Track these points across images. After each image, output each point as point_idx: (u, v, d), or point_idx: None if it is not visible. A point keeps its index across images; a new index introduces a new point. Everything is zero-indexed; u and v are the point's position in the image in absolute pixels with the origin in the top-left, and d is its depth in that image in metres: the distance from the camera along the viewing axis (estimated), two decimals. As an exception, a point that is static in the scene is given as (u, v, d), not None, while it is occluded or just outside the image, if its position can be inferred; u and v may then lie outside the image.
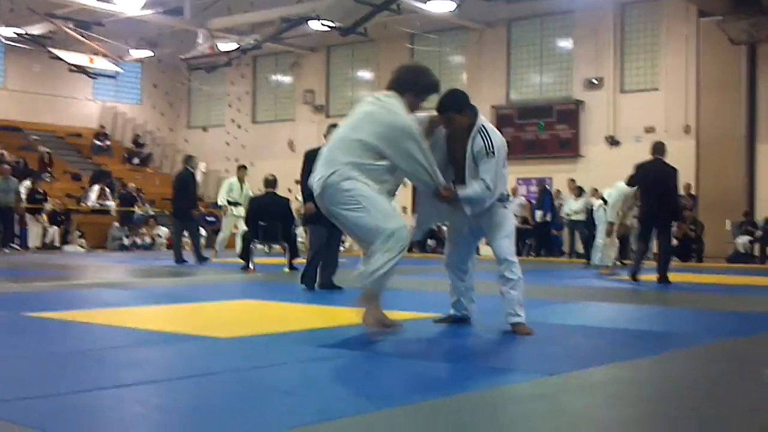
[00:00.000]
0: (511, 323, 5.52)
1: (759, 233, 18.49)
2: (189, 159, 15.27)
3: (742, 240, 18.52)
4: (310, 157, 8.78)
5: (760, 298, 9.13)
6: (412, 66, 5.46)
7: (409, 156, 5.08)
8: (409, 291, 8.56)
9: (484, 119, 5.56)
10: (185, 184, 14.81)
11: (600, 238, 14.07)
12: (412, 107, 5.26)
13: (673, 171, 10.60)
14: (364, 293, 5.04)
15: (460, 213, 5.55)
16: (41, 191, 21.33)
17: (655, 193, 10.59)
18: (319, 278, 9.09)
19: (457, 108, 5.51)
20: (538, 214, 20.21)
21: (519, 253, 8.35)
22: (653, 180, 10.59)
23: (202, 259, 14.64)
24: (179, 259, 14.63)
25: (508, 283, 5.53)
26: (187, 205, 14.75)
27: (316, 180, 5.16)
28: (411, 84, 5.27)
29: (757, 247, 18.42)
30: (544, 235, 20.38)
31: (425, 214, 5.83)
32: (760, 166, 19.69)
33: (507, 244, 5.61)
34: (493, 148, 5.41)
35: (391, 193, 5.25)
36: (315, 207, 8.51)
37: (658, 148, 10.79)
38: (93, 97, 29.34)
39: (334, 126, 6.06)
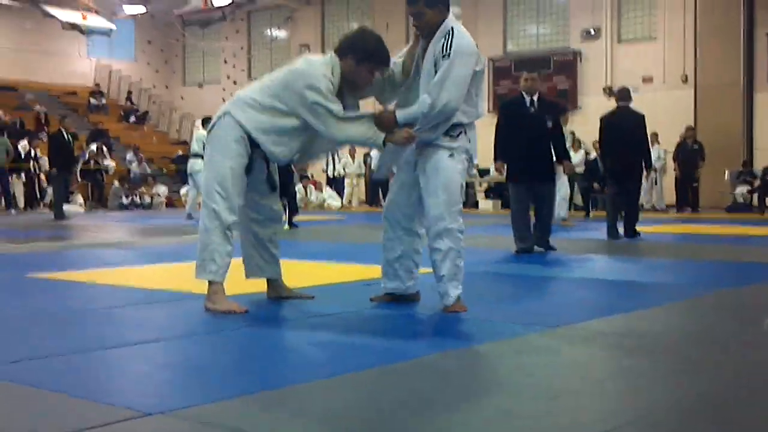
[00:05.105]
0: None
1: (757, 183, 18.49)
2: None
3: (741, 190, 18.52)
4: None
5: (759, 248, 9.16)
6: (361, 29, 4.75)
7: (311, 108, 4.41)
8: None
9: (457, 23, 4.50)
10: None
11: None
12: (355, 76, 4.56)
13: (642, 117, 10.04)
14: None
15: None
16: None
17: (624, 142, 9.91)
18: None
19: (429, 1, 4.45)
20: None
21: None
22: (618, 129, 9.99)
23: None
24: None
25: (436, 254, 4.50)
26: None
27: None
28: (353, 48, 4.54)
29: (755, 197, 18.43)
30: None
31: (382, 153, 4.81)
32: (758, 115, 19.62)
33: (434, 201, 4.47)
34: (450, 49, 4.34)
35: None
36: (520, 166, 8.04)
37: (623, 95, 10.30)
38: (87, 55, 29.12)
39: None
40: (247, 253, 4.92)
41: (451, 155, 4.47)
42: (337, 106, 4.41)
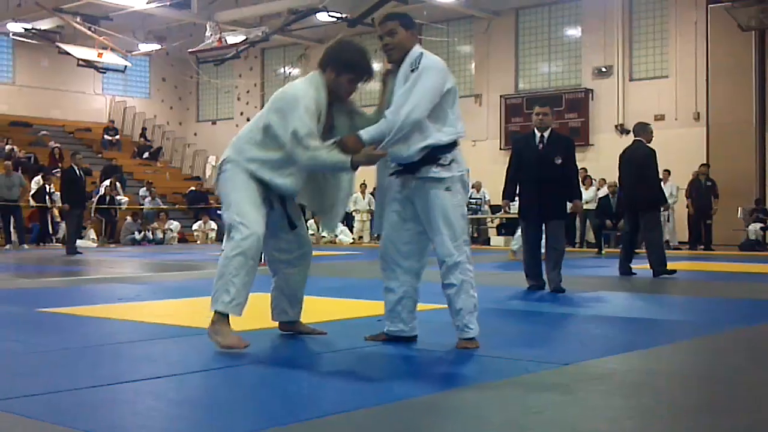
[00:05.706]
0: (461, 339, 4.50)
1: (770, 220, 18.43)
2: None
3: (754, 227, 18.45)
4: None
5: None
6: (340, 40, 4.69)
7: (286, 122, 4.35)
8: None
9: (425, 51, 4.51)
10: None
11: None
12: (337, 87, 4.53)
13: (649, 152, 9.88)
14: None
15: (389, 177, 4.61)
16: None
17: (633, 178, 9.92)
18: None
19: (405, 21, 4.57)
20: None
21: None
22: (628, 164, 9.97)
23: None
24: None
25: (449, 289, 4.49)
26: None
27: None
28: (332, 59, 4.52)
29: (768, 235, 18.36)
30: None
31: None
32: (771, 153, 19.60)
33: (439, 239, 4.44)
34: (418, 64, 4.36)
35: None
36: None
37: (635, 129, 10.19)
38: (102, 92, 29.41)
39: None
40: (275, 298, 4.90)
41: (448, 188, 4.39)
42: (306, 130, 4.28)
